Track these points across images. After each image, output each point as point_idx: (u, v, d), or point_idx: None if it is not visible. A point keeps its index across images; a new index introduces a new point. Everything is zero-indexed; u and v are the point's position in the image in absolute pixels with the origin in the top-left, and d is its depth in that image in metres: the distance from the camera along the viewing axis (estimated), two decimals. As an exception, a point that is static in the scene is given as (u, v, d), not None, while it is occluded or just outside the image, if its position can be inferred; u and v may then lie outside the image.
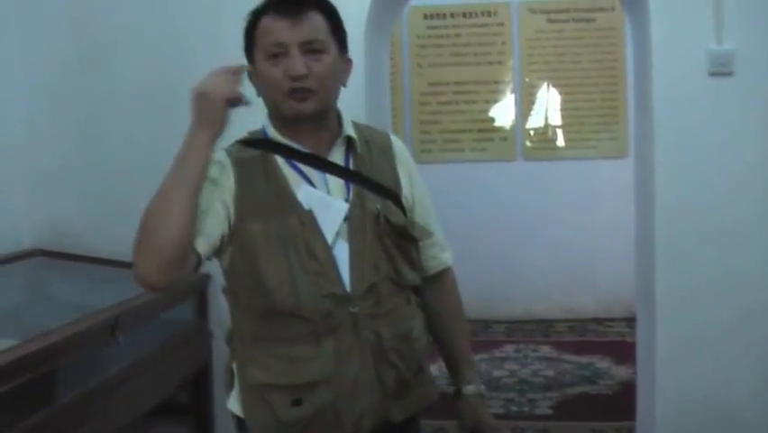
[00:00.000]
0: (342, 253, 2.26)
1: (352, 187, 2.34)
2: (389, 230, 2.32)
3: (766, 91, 4.09)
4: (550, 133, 8.16)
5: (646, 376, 4.47)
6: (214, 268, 4.21)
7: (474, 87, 8.12)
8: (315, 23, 2.29)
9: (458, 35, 8.12)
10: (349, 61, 2.45)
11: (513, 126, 8.17)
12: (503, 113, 8.18)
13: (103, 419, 3.40)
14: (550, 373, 6.46)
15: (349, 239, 2.28)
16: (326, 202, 2.28)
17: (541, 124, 8.16)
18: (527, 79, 8.09)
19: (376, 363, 2.26)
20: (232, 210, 2.24)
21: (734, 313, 4.12)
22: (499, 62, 8.11)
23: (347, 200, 2.31)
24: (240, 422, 2.37)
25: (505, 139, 8.15)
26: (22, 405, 2.90)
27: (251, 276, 2.23)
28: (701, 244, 4.13)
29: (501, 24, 8.07)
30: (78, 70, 4.52)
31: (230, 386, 2.40)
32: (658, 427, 4.24)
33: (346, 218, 2.29)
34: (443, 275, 2.61)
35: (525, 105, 8.14)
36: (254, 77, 2.35)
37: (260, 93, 2.35)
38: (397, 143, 2.55)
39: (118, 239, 4.40)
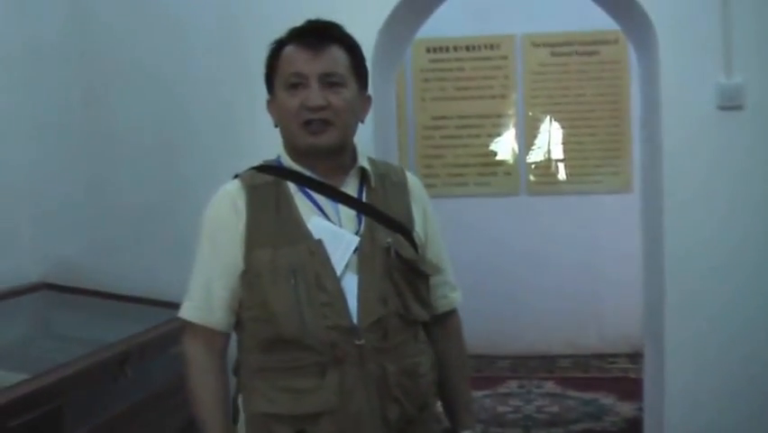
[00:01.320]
0: (350, 286, 2.25)
1: (363, 219, 2.34)
2: (400, 265, 2.31)
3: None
4: (553, 167, 8.13)
5: (654, 414, 4.44)
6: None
7: (478, 120, 8.09)
8: (336, 57, 2.31)
9: (461, 69, 8.11)
10: (368, 98, 2.48)
11: (516, 160, 8.14)
12: (506, 147, 8.15)
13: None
14: (554, 409, 6.40)
15: (358, 272, 2.27)
16: (336, 234, 2.28)
17: (544, 158, 8.13)
18: (531, 113, 8.07)
19: (380, 398, 2.24)
20: (240, 251, 2.28)
21: (744, 350, 4.11)
22: (503, 96, 8.10)
23: (357, 232, 2.31)
24: None
25: (508, 173, 8.12)
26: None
27: (258, 305, 2.25)
28: (711, 279, 4.12)
29: (504, 58, 8.06)
30: (83, 110, 4.53)
31: (235, 420, 2.39)
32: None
33: (356, 250, 2.28)
34: (451, 315, 2.61)
35: (528, 139, 8.11)
36: (272, 106, 2.38)
37: (276, 122, 2.38)
38: (412, 180, 2.56)
39: (123, 276, 4.42)
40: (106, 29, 4.53)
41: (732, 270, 4.11)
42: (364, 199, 2.38)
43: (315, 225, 2.28)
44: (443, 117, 8.14)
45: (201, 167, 4.35)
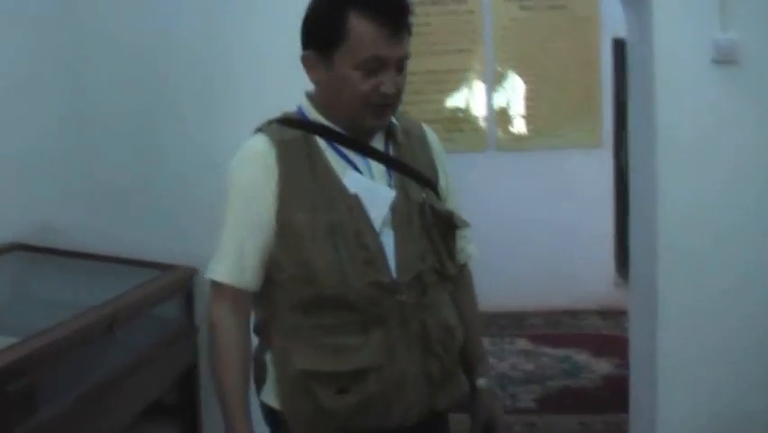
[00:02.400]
0: (388, 242, 2.22)
1: (393, 175, 2.30)
2: (435, 219, 2.30)
3: (771, 78, 4.05)
4: (522, 122, 8.07)
5: (643, 368, 4.39)
6: (200, 261, 4.11)
7: (444, 76, 7.98)
8: (407, 37, 2.21)
9: (427, 24, 7.94)
10: None
11: (484, 116, 8.06)
12: (474, 103, 8.07)
13: (95, 422, 3.25)
14: (529, 366, 6.39)
15: (395, 228, 2.24)
16: (373, 189, 2.24)
17: (513, 113, 8.05)
18: (499, 68, 7.98)
19: (422, 354, 2.24)
20: (273, 208, 2.20)
21: (740, 300, 4.04)
22: (470, 51, 8.00)
23: (388, 184, 2.27)
24: (274, 415, 2.31)
25: (476, 130, 8.05)
26: (18, 407, 2.74)
27: (297, 264, 2.18)
28: (703, 234, 4.05)
29: (472, 12, 7.96)
30: (62, 65, 4.33)
31: (261, 379, 2.34)
32: (660, 417, 4.15)
33: (391, 206, 2.24)
34: (465, 267, 2.61)
35: (496, 94, 8.03)
36: (317, 67, 2.24)
37: (316, 81, 2.27)
38: (430, 134, 2.54)
39: (102, 235, 4.30)
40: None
41: (726, 222, 4.04)
42: (391, 152, 2.33)
43: (351, 180, 2.22)
44: (409, 73, 7.95)
45: (181, 124, 4.27)
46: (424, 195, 2.30)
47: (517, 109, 8.04)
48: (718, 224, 4.04)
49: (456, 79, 8.04)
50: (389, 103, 2.22)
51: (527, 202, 7.82)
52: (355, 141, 2.27)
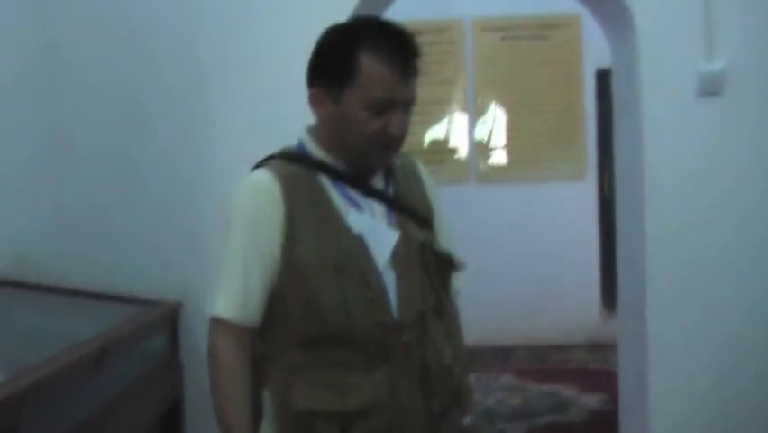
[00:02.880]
0: (389, 281, 2.21)
1: (393, 214, 2.30)
2: (434, 260, 2.31)
3: (756, 110, 4.08)
4: (504, 154, 8.03)
5: (634, 412, 4.34)
6: (185, 295, 4.03)
7: (425, 107, 7.84)
8: (415, 79, 2.21)
9: (408, 55, 7.93)
10: None
11: (466, 148, 8.03)
12: (456, 134, 8.04)
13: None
14: (516, 401, 6.31)
15: (395, 267, 2.23)
16: (377, 230, 2.24)
17: (495, 145, 8.02)
18: (480, 99, 7.96)
19: (423, 392, 2.23)
20: (279, 243, 2.17)
21: (729, 333, 4.08)
22: (451, 82, 7.98)
23: (389, 224, 2.27)
24: None
25: (458, 161, 8.01)
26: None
27: (303, 301, 2.16)
28: (691, 264, 4.09)
29: (452, 43, 7.93)
30: (42, 77, 4.23)
31: (257, 416, 2.25)
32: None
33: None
34: (455, 300, 2.58)
35: (478, 125, 8.00)
36: (324, 103, 2.20)
37: (322, 117, 2.24)
38: (422, 168, 2.52)
39: (85, 265, 4.17)
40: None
41: (713, 253, 4.09)
42: (391, 191, 2.32)
43: (355, 220, 2.21)
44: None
45: (160, 150, 4.21)
46: (423, 235, 2.30)
47: (499, 140, 8.01)
48: (705, 255, 4.08)
49: (437, 110, 8.02)
50: (395, 145, 2.20)
51: (511, 235, 7.77)
52: (358, 179, 2.26)
